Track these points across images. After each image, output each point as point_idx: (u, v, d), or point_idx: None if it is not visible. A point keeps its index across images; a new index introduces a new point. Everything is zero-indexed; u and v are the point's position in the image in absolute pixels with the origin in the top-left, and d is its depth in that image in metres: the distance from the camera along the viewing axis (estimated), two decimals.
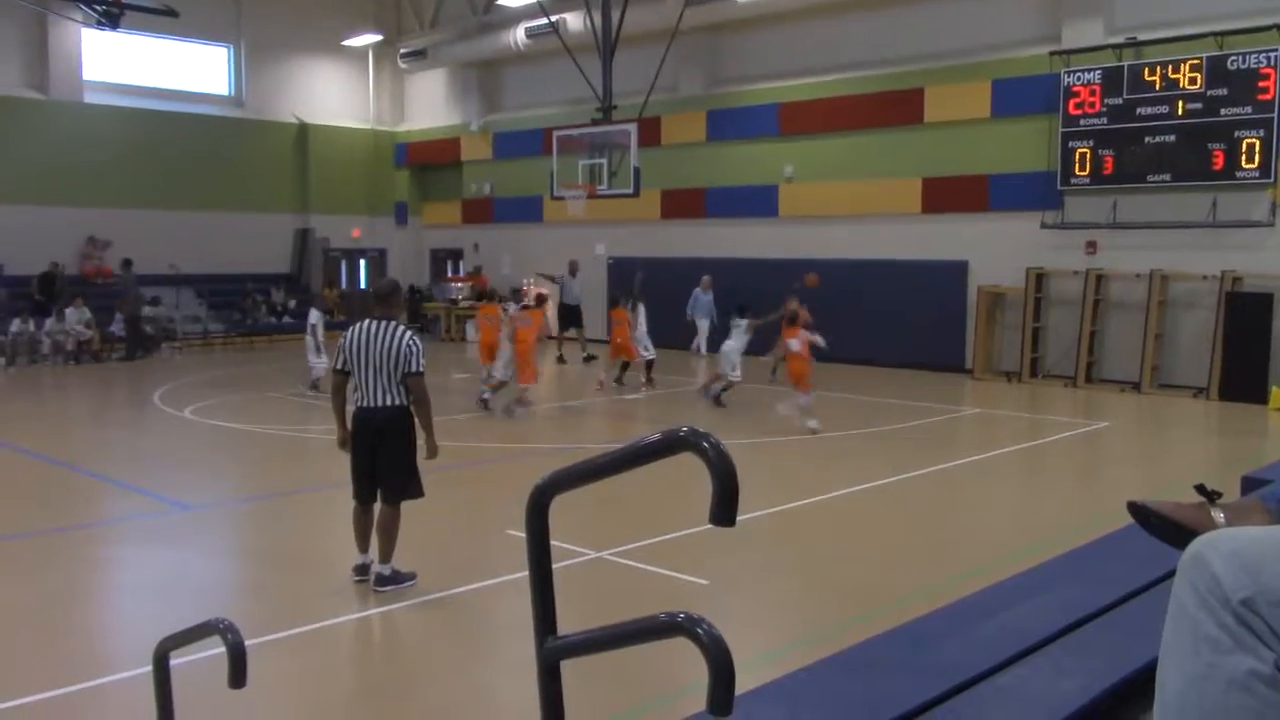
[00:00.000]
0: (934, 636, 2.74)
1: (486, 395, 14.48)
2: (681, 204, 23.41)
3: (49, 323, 21.21)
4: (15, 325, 20.77)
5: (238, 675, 2.61)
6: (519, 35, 24.45)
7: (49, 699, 5.23)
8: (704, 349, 19.55)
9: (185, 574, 7.61)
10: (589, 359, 20.08)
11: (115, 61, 25.04)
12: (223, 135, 26.38)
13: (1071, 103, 17.39)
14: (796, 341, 12.97)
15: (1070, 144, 17.46)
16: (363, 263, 29.87)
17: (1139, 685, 2.28)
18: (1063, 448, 12.79)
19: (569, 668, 1.95)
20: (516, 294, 21.21)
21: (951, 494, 10.31)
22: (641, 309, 17.46)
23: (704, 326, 19.95)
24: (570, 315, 21.88)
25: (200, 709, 4.31)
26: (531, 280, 25.16)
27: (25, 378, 19.25)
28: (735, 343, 14.74)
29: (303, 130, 27.99)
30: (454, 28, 27.01)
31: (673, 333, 19.83)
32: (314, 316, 16.21)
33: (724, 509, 1.55)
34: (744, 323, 15.06)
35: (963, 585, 4.60)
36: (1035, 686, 2.37)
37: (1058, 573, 3.31)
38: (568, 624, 1.96)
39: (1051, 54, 17.63)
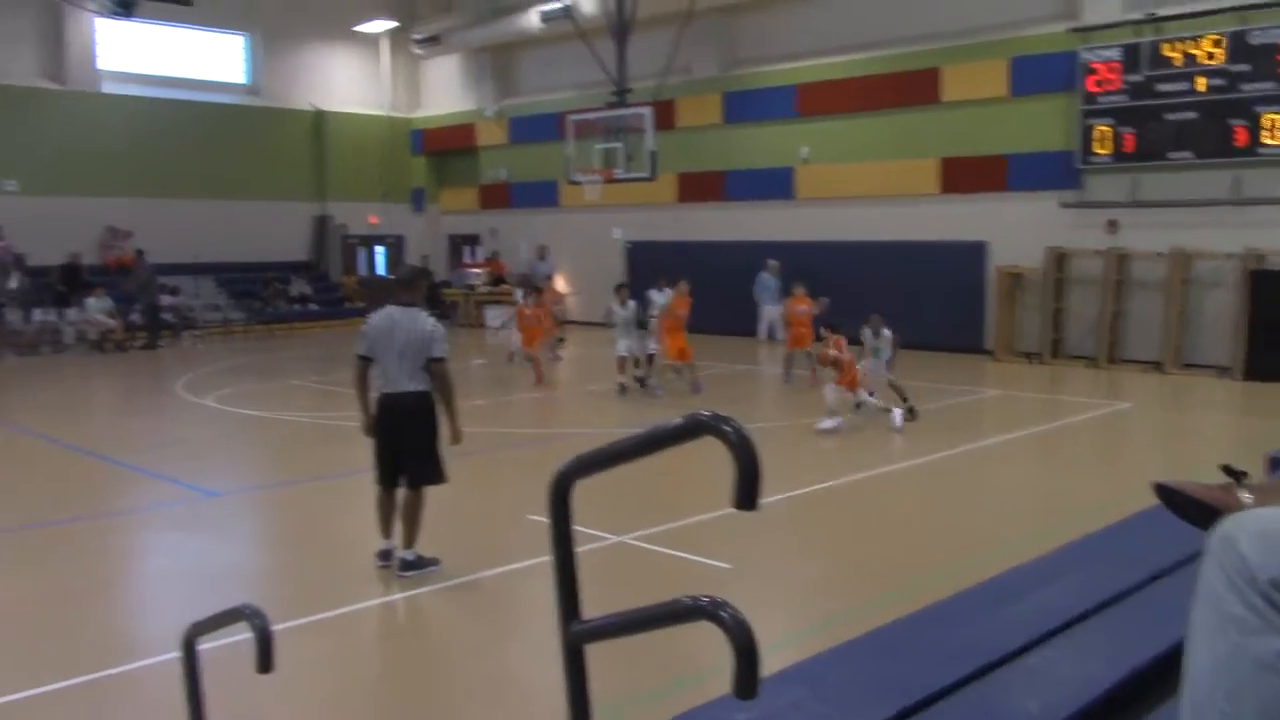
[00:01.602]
0: (958, 618, 2.74)
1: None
2: (698, 187, 23.34)
3: (71, 312, 21.37)
4: (38, 315, 20.92)
5: (265, 660, 2.63)
6: (533, 19, 24.38)
7: (79, 684, 5.30)
8: (779, 334, 19.19)
9: (212, 560, 7.68)
10: (559, 340, 19.87)
11: (131, 50, 25.11)
12: (240, 123, 26.45)
13: (1091, 80, 17.23)
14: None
15: (1090, 122, 17.31)
16: (380, 249, 29.92)
17: (1166, 666, 2.27)
18: (1085, 428, 12.73)
19: (591, 650, 1.96)
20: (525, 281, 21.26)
21: (974, 476, 10.28)
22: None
23: (770, 311, 19.74)
24: None
25: (229, 693, 4.35)
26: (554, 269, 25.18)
27: (50, 367, 19.41)
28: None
29: (319, 118, 28.03)
30: (468, 13, 26.95)
31: (707, 318, 19.17)
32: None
33: (746, 493, 1.55)
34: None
35: (986, 567, 4.59)
36: (1062, 668, 2.37)
37: (1083, 554, 3.30)
38: (591, 608, 1.97)
39: (1070, 31, 17.46)
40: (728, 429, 1.55)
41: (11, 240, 22.50)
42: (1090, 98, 17.25)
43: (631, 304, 14.79)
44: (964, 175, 19.20)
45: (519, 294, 19.26)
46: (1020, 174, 18.44)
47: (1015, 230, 18.39)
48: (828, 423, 11.74)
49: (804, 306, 15.25)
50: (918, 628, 2.73)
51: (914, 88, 19.63)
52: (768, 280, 20.30)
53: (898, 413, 11.95)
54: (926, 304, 19.21)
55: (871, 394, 12.38)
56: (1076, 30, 17.39)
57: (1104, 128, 17.16)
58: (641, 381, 14.65)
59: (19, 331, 20.52)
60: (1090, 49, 17.20)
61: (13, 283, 21.34)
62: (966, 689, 2.29)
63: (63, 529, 8.39)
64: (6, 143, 22.95)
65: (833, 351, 12.10)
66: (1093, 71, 17.20)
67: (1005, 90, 18.53)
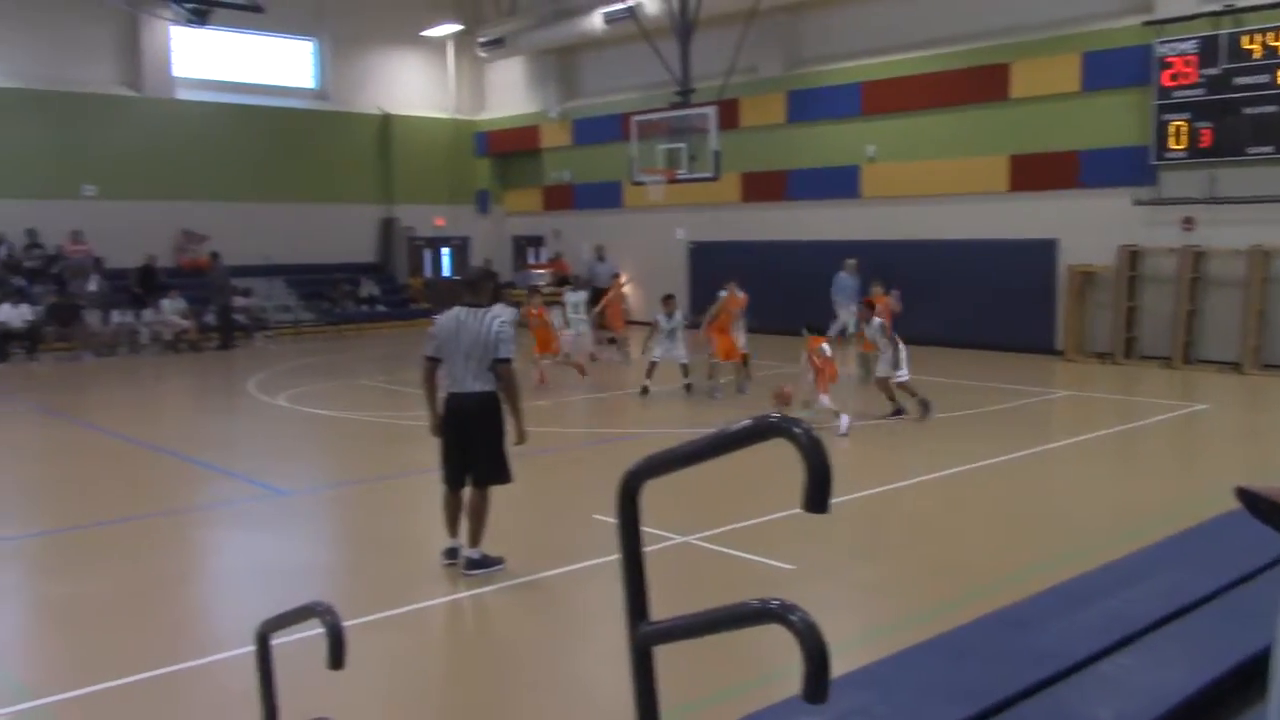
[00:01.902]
0: (1030, 623, 2.69)
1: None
2: (762, 187, 23.24)
3: (147, 314, 21.90)
4: (115, 316, 21.48)
5: (337, 657, 2.67)
6: (597, 21, 24.47)
7: (155, 677, 5.42)
8: (850, 333, 18.99)
9: (282, 556, 7.82)
10: (611, 341, 19.87)
11: (204, 58, 25.69)
12: (309, 128, 26.94)
13: (1166, 74, 16.85)
14: (827, 345, 12.58)
15: (1165, 117, 16.92)
16: (446, 251, 30.25)
17: (1247, 675, 2.21)
18: (1161, 430, 12.45)
19: (656, 650, 1.96)
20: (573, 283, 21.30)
21: (1045, 478, 10.10)
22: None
23: (847, 312, 19.39)
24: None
25: (300, 688, 4.43)
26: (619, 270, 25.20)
27: (126, 367, 19.91)
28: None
29: (386, 121, 28.42)
30: (532, 15, 27.12)
31: (772, 317, 18.56)
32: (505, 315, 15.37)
33: (817, 496, 1.54)
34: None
35: (1059, 570, 4.51)
36: (1139, 675, 2.32)
37: (1159, 559, 3.22)
38: (656, 609, 1.97)
39: (1144, 24, 17.08)
40: (798, 431, 1.54)
41: (90, 244, 23.16)
42: (1165, 92, 16.87)
43: (678, 315, 14.80)
44: (1034, 172, 18.88)
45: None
46: (1092, 170, 18.08)
47: (1087, 228, 18.04)
48: (843, 424, 11.67)
49: (879, 306, 15.06)
50: (988, 632, 2.69)
51: (982, 84, 19.35)
52: (845, 280, 19.98)
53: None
54: (995, 303, 18.92)
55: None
56: (1151, 23, 17.00)
57: (1180, 123, 16.77)
58: (687, 388, 14.60)
59: (97, 333, 21.07)
60: (1165, 42, 16.82)
61: (91, 285, 21.94)
62: (1038, 695, 2.25)
63: (139, 525, 8.60)
64: (86, 149, 23.60)
65: (815, 359, 12.06)
66: (1168, 65, 16.81)
67: (1077, 85, 18.18)
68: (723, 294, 15.24)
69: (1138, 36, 17.19)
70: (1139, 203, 17.38)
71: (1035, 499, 9.24)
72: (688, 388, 14.61)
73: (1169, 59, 16.80)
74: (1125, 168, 17.52)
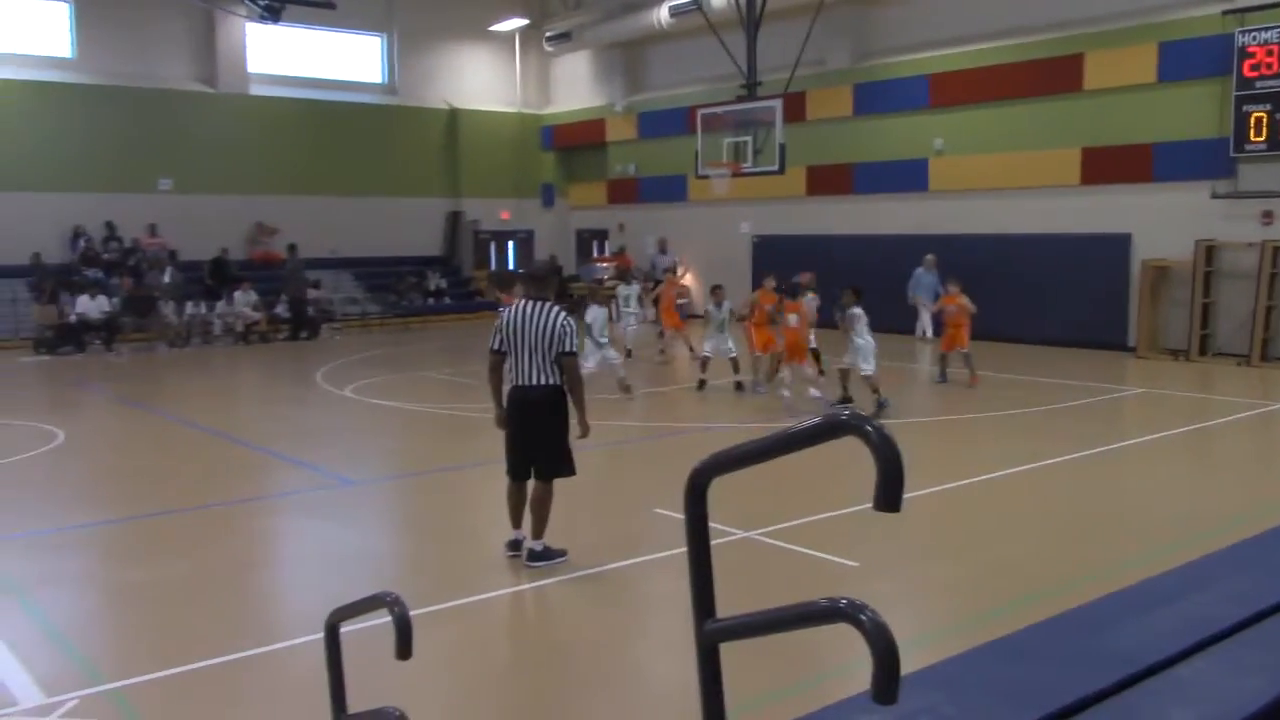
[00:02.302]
0: (1102, 624, 2.63)
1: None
2: (827, 180, 23.06)
3: (220, 305, 22.36)
4: (189, 308, 21.96)
5: (404, 647, 2.70)
6: (663, 14, 24.46)
7: (224, 663, 5.54)
8: (930, 333, 18.80)
9: (347, 545, 7.94)
10: (660, 336, 19.62)
11: (277, 54, 26.15)
12: (377, 122, 27.29)
13: (1247, 64, 16.40)
14: (795, 316, 12.98)
15: (1245, 108, 16.47)
16: (511, 244, 30.46)
17: None
18: (1237, 429, 12.14)
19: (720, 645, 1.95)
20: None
21: (1117, 476, 9.90)
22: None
23: (928, 309, 19.05)
24: None
25: (367, 676, 4.50)
26: (680, 259, 25.22)
27: (198, 358, 20.35)
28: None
29: (453, 115, 28.68)
30: (598, 9, 27.20)
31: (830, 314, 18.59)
32: (592, 314, 14.71)
33: (889, 494, 1.52)
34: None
35: (1132, 571, 4.42)
36: (1216, 681, 2.26)
37: (1237, 560, 3.14)
38: (720, 605, 1.97)
39: (1225, 13, 16.63)
40: (869, 429, 1.52)
41: (165, 236, 23.70)
42: (1246, 83, 16.42)
43: (726, 304, 14.73)
44: (1107, 165, 18.49)
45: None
46: (1167, 163, 17.67)
47: (1162, 222, 17.63)
48: (813, 392, 12.37)
49: (954, 305, 14.87)
50: (1058, 633, 2.64)
51: (1054, 75, 18.99)
52: (924, 277, 19.36)
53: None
54: (1067, 299, 18.57)
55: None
56: (1231, 12, 16.55)
57: (1261, 114, 16.31)
58: (737, 385, 14.40)
59: (171, 324, 21.56)
60: (1246, 31, 16.36)
61: (166, 277, 22.45)
62: (1111, 699, 2.21)
63: (210, 513, 8.79)
64: (163, 143, 24.16)
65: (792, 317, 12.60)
66: (1249, 55, 16.36)
67: (1153, 76, 17.77)
68: (758, 292, 15.10)
69: (1217, 26, 16.74)
70: (1217, 196, 16.94)
71: (1106, 498, 9.06)
72: (738, 385, 14.41)
73: (1250, 49, 16.35)
74: (1202, 160, 17.08)
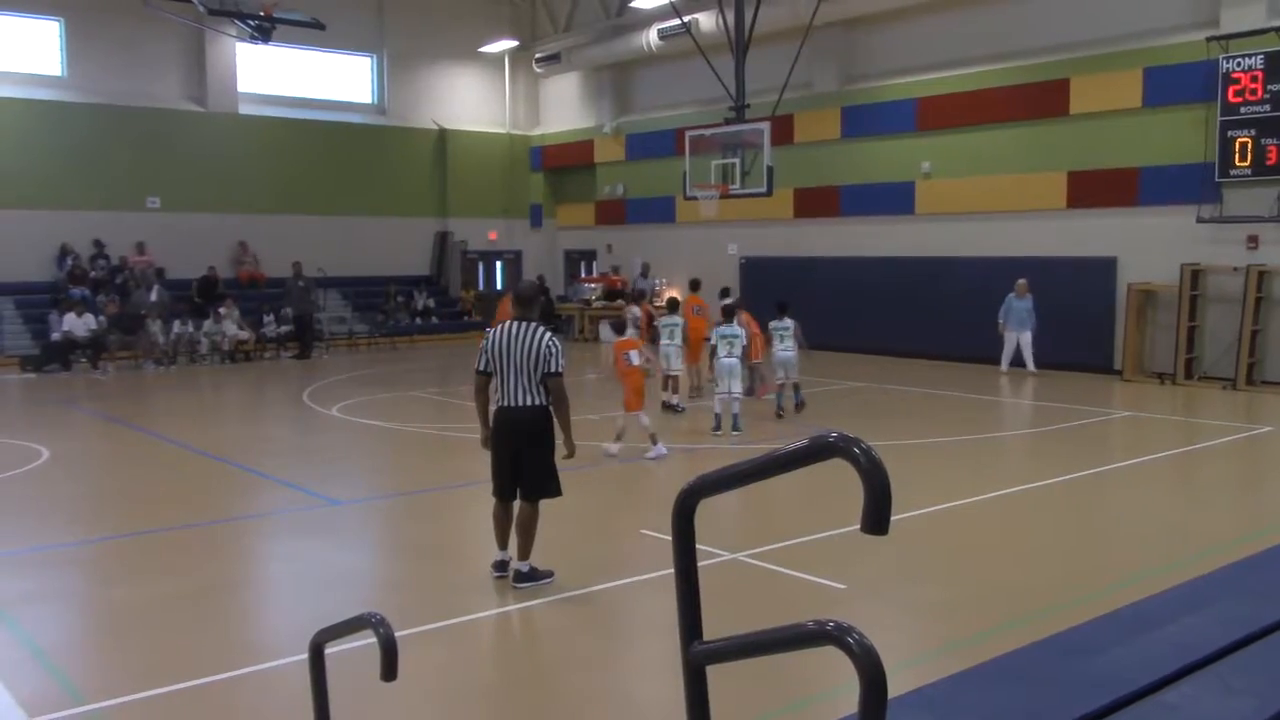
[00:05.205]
0: (1090, 647, 2.63)
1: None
2: (815, 202, 23.16)
3: (207, 324, 22.29)
4: (176, 327, 21.87)
5: (390, 669, 2.68)
6: (651, 37, 24.59)
7: (206, 684, 5.49)
8: (1030, 363, 18.05)
9: (334, 565, 7.89)
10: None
11: (267, 74, 26.18)
12: (366, 142, 27.32)
13: (1231, 90, 16.55)
14: (635, 354, 11.64)
15: (1230, 134, 16.62)
16: (499, 264, 30.47)
17: None
18: (1223, 453, 12.18)
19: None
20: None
21: (1103, 500, 9.91)
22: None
23: (1019, 338, 18.22)
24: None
25: (351, 696, 4.46)
26: (663, 281, 25.31)
27: (185, 376, 20.26)
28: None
29: (442, 136, 28.73)
30: (588, 31, 27.33)
31: (830, 334, 18.29)
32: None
33: (877, 517, 1.52)
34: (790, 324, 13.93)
35: (1119, 595, 4.43)
36: (1204, 705, 2.25)
37: (1224, 585, 3.14)
38: (707, 627, 1.96)
39: (1209, 40, 16.80)
40: (857, 451, 1.52)
41: (153, 254, 23.65)
42: (1231, 108, 16.56)
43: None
44: (1093, 189, 18.62)
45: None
46: (1153, 188, 17.80)
47: (1147, 246, 17.74)
48: (657, 450, 11.42)
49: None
50: (1046, 656, 2.63)
51: (1041, 100, 19.13)
52: (1015, 304, 18.28)
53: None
54: (1053, 322, 18.63)
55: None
56: (1216, 39, 16.71)
57: (1245, 139, 16.45)
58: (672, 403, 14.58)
59: (158, 342, 21.47)
60: (1231, 58, 16.52)
61: (153, 295, 22.36)
62: None
63: (195, 532, 8.73)
64: (151, 162, 24.13)
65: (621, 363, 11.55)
66: (1234, 81, 16.51)
67: (1138, 101, 17.92)
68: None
69: (1202, 52, 16.90)
70: (1202, 220, 17.06)
71: (1093, 521, 9.08)
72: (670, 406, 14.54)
73: (1235, 74, 16.50)
74: (1188, 185, 17.21)
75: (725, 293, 17.40)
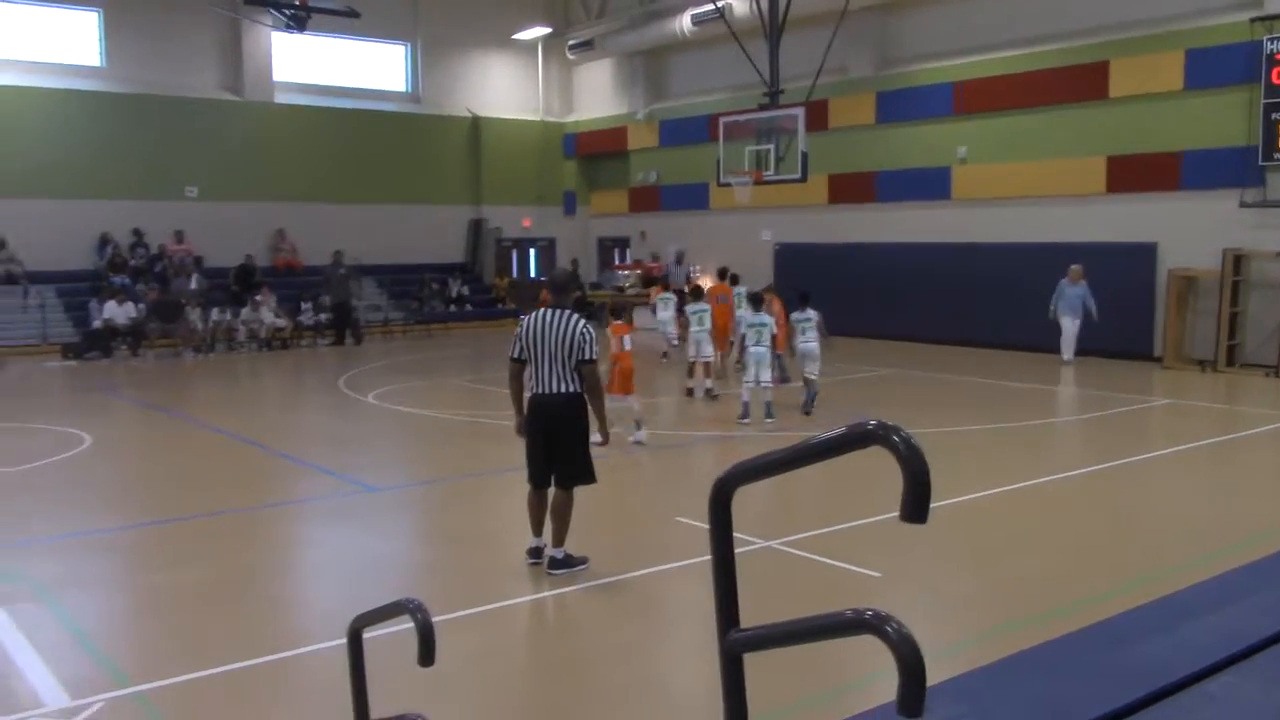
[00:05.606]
0: (1130, 637, 2.60)
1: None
2: (850, 188, 23.00)
3: (245, 312, 22.51)
4: (214, 315, 22.11)
5: (427, 654, 2.69)
6: (685, 22, 24.49)
7: (246, 667, 5.56)
8: (1071, 354, 17.81)
9: (370, 551, 7.96)
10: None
11: (302, 63, 26.33)
12: (401, 130, 27.43)
13: (1275, 71, 16.26)
14: (628, 339, 11.77)
15: (1274, 116, 16.33)
16: (533, 251, 30.53)
17: None
18: (1265, 441, 12.00)
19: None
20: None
21: (1143, 488, 9.80)
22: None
23: (1072, 326, 17.82)
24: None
25: (389, 681, 4.50)
26: (698, 268, 25.27)
27: (224, 364, 20.48)
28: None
29: (475, 124, 28.79)
30: (621, 17, 27.26)
31: (851, 322, 18.70)
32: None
33: (916, 506, 1.51)
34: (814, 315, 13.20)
35: (1159, 584, 4.38)
36: (1248, 695, 2.22)
37: (1268, 573, 3.10)
38: (742, 615, 1.95)
39: (1253, 20, 16.50)
40: (897, 439, 1.51)
41: (191, 243, 23.90)
42: (1275, 90, 16.27)
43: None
44: (1133, 173, 18.36)
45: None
46: (1194, 172, 17.52)
47: (1188, 231, 17.49)
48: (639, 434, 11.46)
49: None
50: (1084, 646, 2.61)
51: (1080, 83, 18.87)
52: (1068, 289, 17.85)
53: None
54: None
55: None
56: (1260, 19, 16.41)
57: None
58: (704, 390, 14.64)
59: (197, 330, 21.70)
60: (1275, 39, 16.21)
61: (192, 284, 22.61)
62: (1140, 714, 2.18)
63: (234, 518, 8.83)
64: (189, 151, 24.36)
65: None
66: (1278, 63, 16.21)
67: (1179, 84, 17.63)
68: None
69: (1245, 33, 16.61)
70: (1245, 204, 16.79)
71: (1132, 511, 8.98)
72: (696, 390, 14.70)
73: (1279, 56, 16.20)
74: (1230, 169, 16.93)
75: (724, 273, 17.88)
